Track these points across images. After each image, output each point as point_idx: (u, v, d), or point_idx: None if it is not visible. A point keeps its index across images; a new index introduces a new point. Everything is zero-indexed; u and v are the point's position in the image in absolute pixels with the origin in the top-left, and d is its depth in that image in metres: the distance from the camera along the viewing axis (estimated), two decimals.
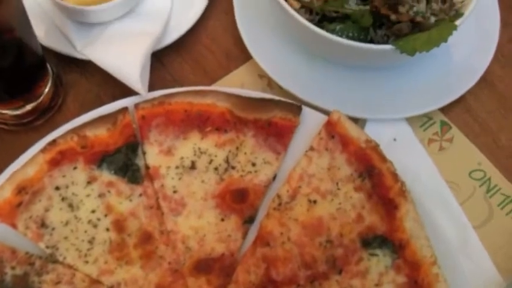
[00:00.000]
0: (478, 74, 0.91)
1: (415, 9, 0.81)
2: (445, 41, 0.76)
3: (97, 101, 0.89)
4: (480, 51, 0.93)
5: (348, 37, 0.80)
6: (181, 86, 0.91)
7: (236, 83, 0.92)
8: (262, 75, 0.92)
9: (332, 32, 0.80)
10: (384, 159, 0.79)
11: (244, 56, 0.93)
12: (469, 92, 0.90)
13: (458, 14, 0.81)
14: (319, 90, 0.88)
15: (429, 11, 0.82)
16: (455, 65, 0.91)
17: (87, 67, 0.90)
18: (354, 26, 0.80)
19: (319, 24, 0.82)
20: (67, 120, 0.83)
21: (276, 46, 0.91)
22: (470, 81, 0.90)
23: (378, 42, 0.81)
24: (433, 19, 0.82)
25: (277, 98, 0.83)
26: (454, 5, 0.84)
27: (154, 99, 0.82)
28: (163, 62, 0.94)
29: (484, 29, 0.94)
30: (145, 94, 0.82)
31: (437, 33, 0.77)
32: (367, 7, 0.81)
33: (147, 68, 0.87)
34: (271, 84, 0.91)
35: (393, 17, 0.79)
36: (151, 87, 0.88)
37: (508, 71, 0.95)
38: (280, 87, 0.89)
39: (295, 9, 0.82)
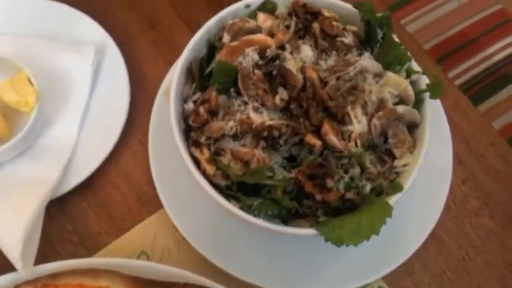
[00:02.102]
0: (426, 231, 0.79)
1: (346, 178, 0.69)
2: (377, 233, 0.65)
3: None
4: (429, 197, 0.82)
5: (266, 215, 0.68)
6: (83, 238, 0.80)
7: (148, 234, 0.81)
8: None
9: (248, 208, 0.68)
10: None
11: (159, 200, 0.80)
12: None
13: (396, 186, 0.70)
14: (237, 257, 0.76)
15: (364, 178, 0.71)
16: (400, 223, 0.79)
17: None
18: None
19: (236, 193, 0.70)
20: None
21: (190, 198, 0.78)
22: (417, 241, 0.79)
23: (304, 213, 0.70)
24: (368, 187, 0.70)
25: (183, 281, 0.71)
26: (394, 168, 0.72)
27: (38, 279, 0.69)
28: (64, 208, 0.81)
29: (434, 171, 0.83)
30: (27, 275, 0.69)
31: (367, 221, 0.65)
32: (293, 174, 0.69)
33: (38, 228, 0.75)
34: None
35: (318, 197, 0.67)
36: (47, 240, 0.77)
37: (459, 222, 0.84)
38: None
39: (209, 174, 0.70)
